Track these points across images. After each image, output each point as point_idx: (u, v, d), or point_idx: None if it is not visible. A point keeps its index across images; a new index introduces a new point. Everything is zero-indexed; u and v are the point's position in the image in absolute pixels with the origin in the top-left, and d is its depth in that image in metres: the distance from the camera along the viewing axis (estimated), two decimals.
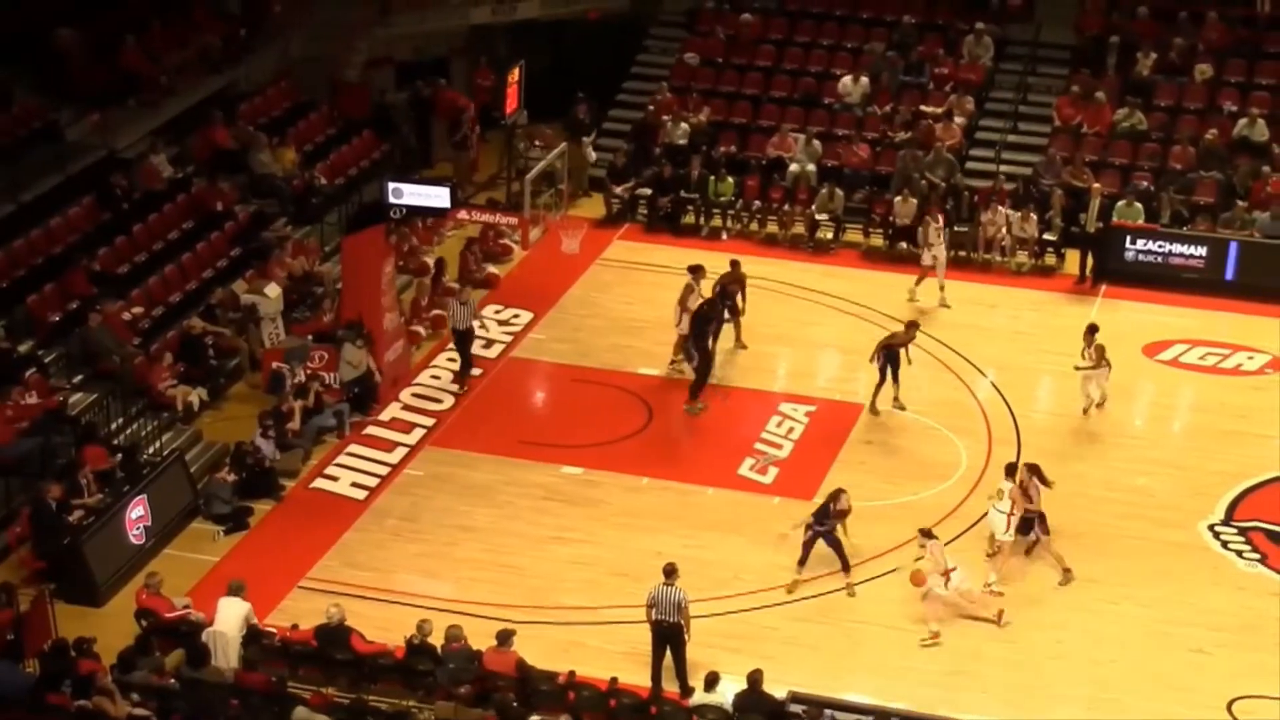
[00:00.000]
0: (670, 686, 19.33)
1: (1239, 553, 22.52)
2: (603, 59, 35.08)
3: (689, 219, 31.78)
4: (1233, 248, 29.45)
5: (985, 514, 22.30)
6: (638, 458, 24.39)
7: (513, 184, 32.08)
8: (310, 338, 26.15)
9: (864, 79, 33.48)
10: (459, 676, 18.72)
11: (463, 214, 30.05)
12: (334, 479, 24.00)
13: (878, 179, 32.05)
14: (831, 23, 35.20)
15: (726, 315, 26.59)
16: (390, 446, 24.71)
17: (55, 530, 21.34)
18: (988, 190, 30.75)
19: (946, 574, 20.66)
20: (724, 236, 31.45)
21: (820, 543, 21.28)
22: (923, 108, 33.00)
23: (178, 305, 26.32)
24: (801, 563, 21.44)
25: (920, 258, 29.07)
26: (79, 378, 24.31)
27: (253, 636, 19.52)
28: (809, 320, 28.57)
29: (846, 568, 21.45)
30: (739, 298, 26.94)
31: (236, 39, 31.83)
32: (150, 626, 19.83)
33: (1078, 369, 25.15)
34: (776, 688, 18.76)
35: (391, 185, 25.29)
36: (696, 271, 26.63)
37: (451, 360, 26.88)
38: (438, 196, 25.32)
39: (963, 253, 30.56)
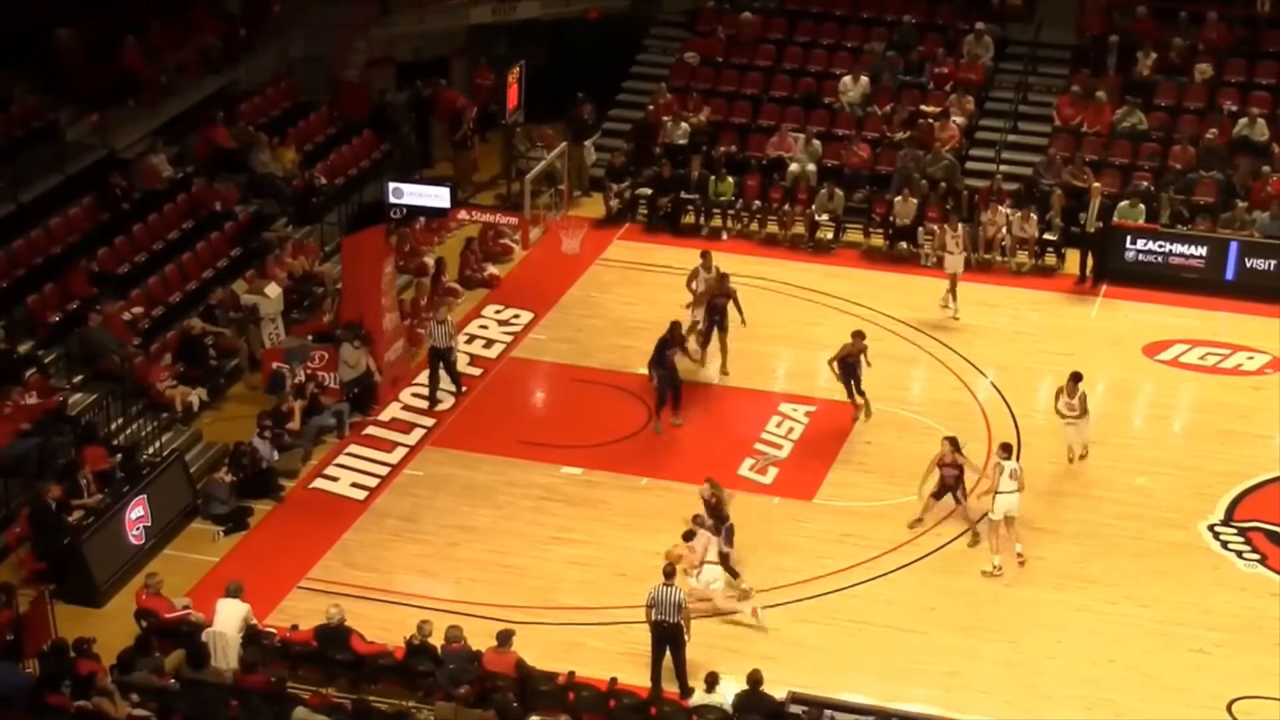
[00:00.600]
0: (670, 687, 19.33)
1: (1239, 553, 22.52)
2: (603, 59, 35.07)
3: (689, 219, 31.78)
4: (1233, 248, 29.44)
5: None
6: (638, 458, 24.39)
7: (513, 184, 32.07)
8: (310, 338, 26.15)
9: (864, 79, 33.48)
10: (459, 677, 18.72)
11: (463, 214, 30.05)
12: (334, 479, 24.00)
13: (878, 179, 32.05)
14: (831, 23, 35.19)
15: (715, 330, 26.41)
16: (390, 446, 24.71)
17: (55, 530, 21.34)
18: (987, 190, 30.75)
19: (699, 566, 20.73)
20: (724, 236, 31.45)
21: None
22: (923, 107, 33.01)
23: (178, 305, 26.31)
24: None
25: (943, 262, 28.79)
26: (79, 378, 24.31)
27: (252, 637, 19.52)
28: (809, 320, 28.57)
29: None
30: (731, 309, 26.46)
31: (236, 39, 31.82)
32: (150, 627, 19.82)
33: (1060, 415, 24.06)
34: (776, 688, 18.77)
35: (391, 185, 25.29)
36: (706, 256, 26.80)
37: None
38: (438, 196, 25.31)
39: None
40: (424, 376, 26.40)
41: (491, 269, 29.92)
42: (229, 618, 19.49)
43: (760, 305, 28.27)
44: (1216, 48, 33.41)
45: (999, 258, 30.37)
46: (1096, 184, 30.17)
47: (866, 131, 32.76)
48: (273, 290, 26.64)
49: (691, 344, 26.39)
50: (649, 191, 31.98)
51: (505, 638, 19.08)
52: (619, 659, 19.90)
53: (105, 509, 21.80)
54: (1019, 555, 22.06)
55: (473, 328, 28.15)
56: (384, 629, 19.95)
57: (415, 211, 26.09)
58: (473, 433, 25.09)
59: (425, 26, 34.83)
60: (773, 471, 24.16)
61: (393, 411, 25.56)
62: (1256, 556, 22.45)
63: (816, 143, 32.41)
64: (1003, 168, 32.15)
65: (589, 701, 18.54)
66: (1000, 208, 30.25)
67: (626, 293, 29.43)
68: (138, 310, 25.60)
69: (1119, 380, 27.20)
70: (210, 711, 18.05)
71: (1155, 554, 22.43)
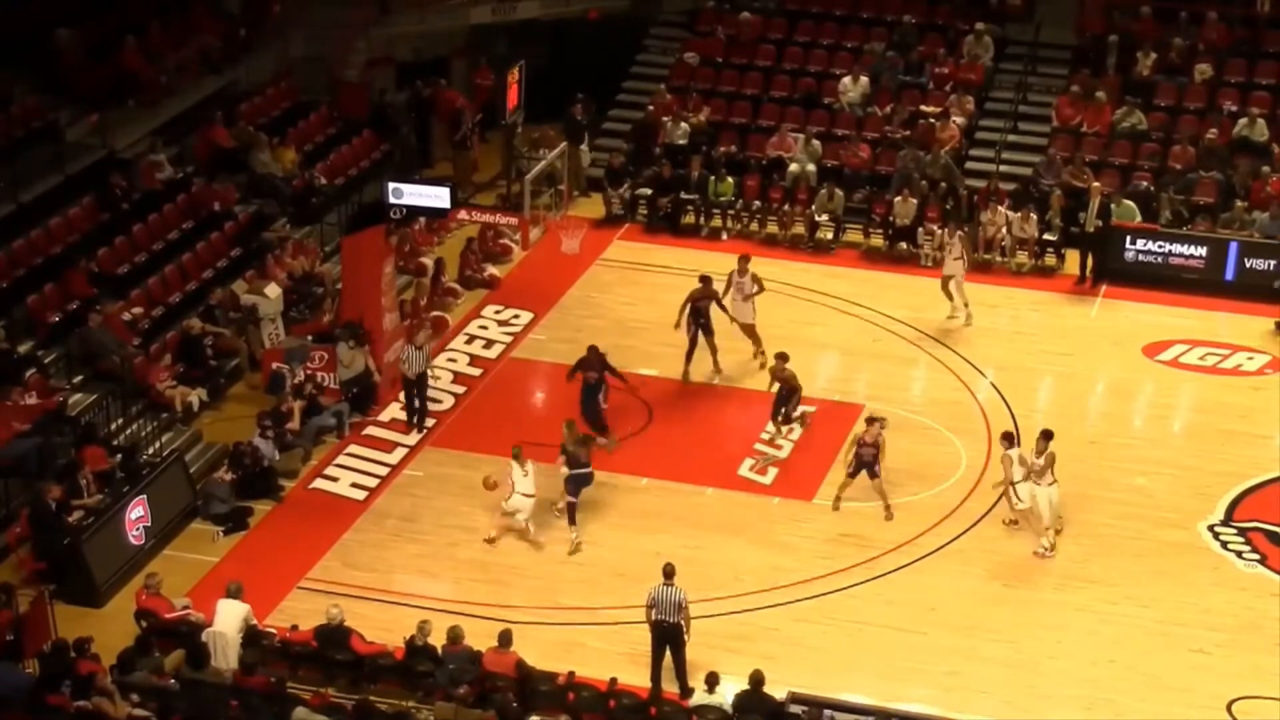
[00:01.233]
0: (670, 687, 19.33)
1: (1239, 553, 22.52)
2: (603, 59, 35.06)
3: (689, 219, 31.77)
4: (1232, 248, 29.44)
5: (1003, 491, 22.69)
6: (638, 458, 24.38)
7: (513, 184, 32.07)
8: (310, 338, 26.14)
9: (864, 79, 33.48)
10: (459, 677, 18.72)
11: (463, 214, 30.05)
12: (334, 479, 24.00)
13: (878, 179, 32.05)
14: (831, 23, 35.19)
15: (701, 335, 26.29)
16: (390, 447, 24.70)
17: (55, 530, 21.34)
18: (985, 190, 30.75)
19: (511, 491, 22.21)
20: (724, 237, 31.44)
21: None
22: (923, 107, 33.01)
23: (178, 305, 26.31)
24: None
25: (942, 264, 28.69)
26: (79, 378, 24.31)
27: (252, 637, 19.51)
28: (809, 320, 28.57)
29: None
30: (738, 301, 26.58)
31: (236, 39, 31.83)
32: (150, 627, 19.82)
33: (1010, 484, 22.59)
34: (776, 688, 18.76)
35: (391, 185, 25.30)
36: (743, 260, 26.74)
37: (452, 360, 26.87)
38: (438, 196, 25.31)
39: None
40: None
41: (491, 269, 29.92)
42: (229, 618, 19.49)
43: (760, 305, 28.25)
44: (1216, 48, 33.41)
45: (999, 258, 30.37)
46: (1096, 184, 30.18)
47: (866, 131, 32.77)
48: (272, 290, 26.64)
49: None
50: (649, 192, 31.98)
51: (506, 638, 19.08)
52: (619, 659, 19.90)
53: (105, 509, 21.80)
54: (1049, 546, 22.24)
55: (473, 328, 28.16)
56: (384, 629, 19.95)
57: (415, 211, 26.08)
58: (473, 433, 25.08)
59: (425, 26, 34.83)
60: (773, 471, 24.16)
61: (393, 411, 25.55)
62: (1256, 556, 22.45)
63: (816, 143, 32.41)
64: (1003, 168, 32.17)
65: (589, 701, 18.55)
66: (1000, 208, 30.25)
67: (626, 293, 29.43)
68: (138, 310, 25.60)
69: (1119, 380, 27.21)
70: (210, 711, 18.05)
71: (1155, 554, 22.43)
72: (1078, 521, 23.04)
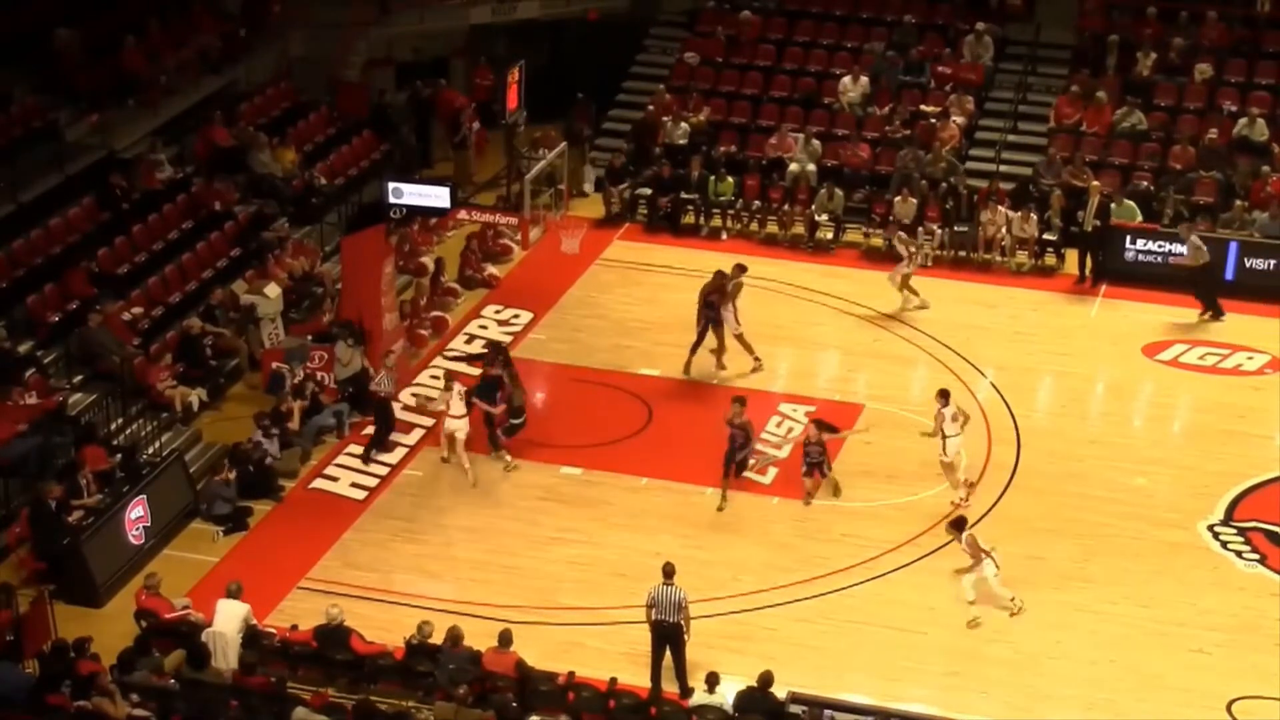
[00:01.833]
0: (670, 687, 19.32)
1: (1238, 553, 22.52)
2: (603, 59, 35.07)
3: (689, 219, 31.78)
4: (1232, 248, 29.43)
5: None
6: (638, 458, 24.39)
7: (513, 184, 32.07)
8: (310, 338, 26.14)
9: (864, 79, 33.49)
10: (459, 677, 18.71)
11: (463, 214, 30.05)
12: (334, 479, 23.99)
13: (878, 179, 32.05)
14: (831, 23, 35.20)
15: (711, 329, 26.34)
16: (390, 447, 24.68)
17: (55, 530, 21.34)
18: (985, 190, 30.75)
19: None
20: (724, 236, 31.45)
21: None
22: (923, 107, 33.02)
23: (178, 305, 26.31)
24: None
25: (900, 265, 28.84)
26: (79, 378, 24.31)
27: (252, 637, 19.51)
28: (809, 320, 28.57)
29: None
30: (727, 308, 26.37)
31: (236, 39, 31.83)
32: (150, 627, 19.82)
33: (943, 437, 23.40)
34: (776, 688, 18.73)
35: (391, 185, 25.32)
36: (739, 270, 26.75)
37: (454, 358, 26.87)
38: (438, 196, 25.33)
39: (963, 253, 30.58)
40: (424, 377, 26.39)
41: (491, 269, 29.92)
42: (229, 618, 19.48)
43: (760, 305, 28.30)
44: (1216, 48, 33.41)
45: (999, 258, 30.37)
46: (1095, 183, 30.18)
47: (866, 131, 32.77)
48: (272, 290, 26.64)
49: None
50: (649, 192, 31.99)
51: (506, 638, 19.08)
52: (619, 659, 19.90)
53: (105, 509, 21.80)
54: (965, 496, 23.07)
55: (472, 328, 28.15)
56: (384, 629, 19.95)
57: (415, 211, 26.11)
58: (472, 433, 25.03)
59: (425, 26, 34.84)
60: (773, 471, 24.15)
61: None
62: (1256, 556, 22.45)
63: (816, 143, 32.41)
64: (1003, 168, 32.18)
65: (589, 701, 18.54)
66: (1000, 208, 30.26)
67: (626, 293, 29.43)
68: (138, 310, 25.60)
69: (1119, 380, 27.21)
70: (210, 711, 18.04)
71: (1155, 554, 22.43)
72: (1078, 521, 23.04)
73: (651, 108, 33.43)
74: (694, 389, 26.39)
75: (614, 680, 18.87)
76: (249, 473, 23.33)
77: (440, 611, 20.36)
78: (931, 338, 27.77)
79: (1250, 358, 27.47)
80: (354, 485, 23.82)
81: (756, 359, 26.60)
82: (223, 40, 31.41)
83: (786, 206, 31.55)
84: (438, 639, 19.24)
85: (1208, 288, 28.68)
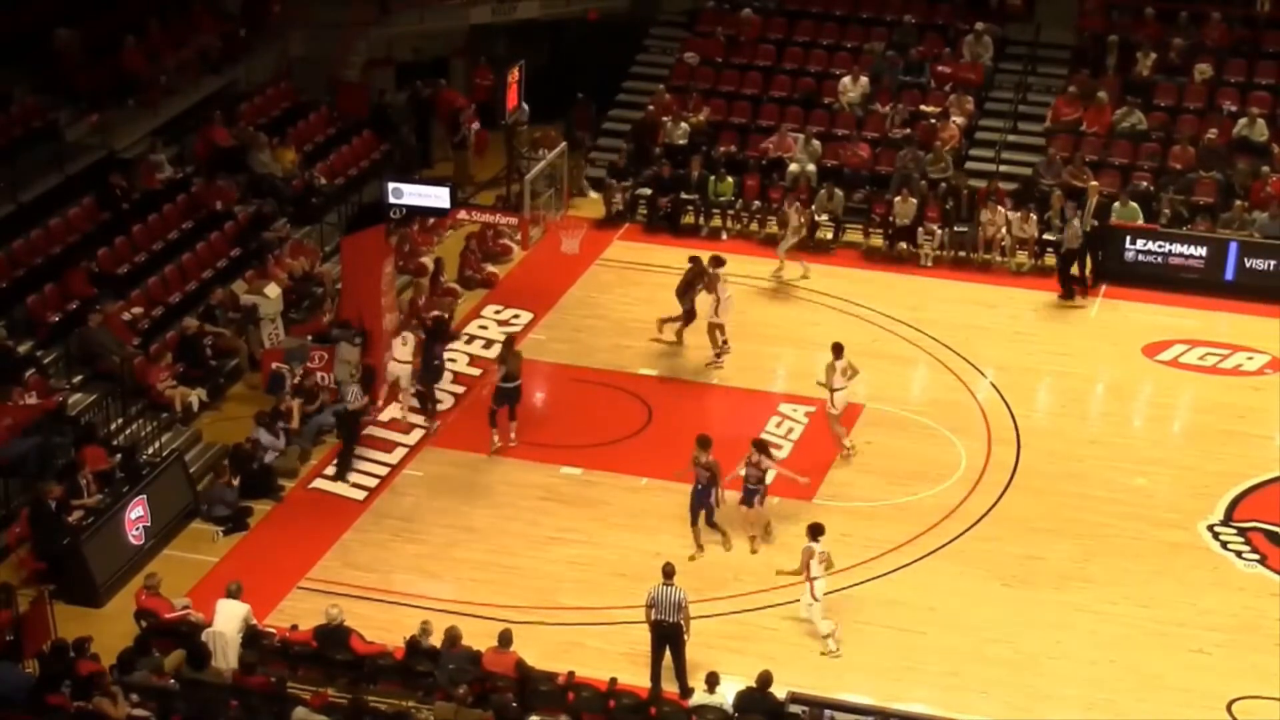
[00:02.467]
0: (670, 687, 19.32)
1: (1238, 553, 22.52)
2: (603, 59, 35.07)
3: (689, 219, 31.78)
4: (1232, 248, 29.44)
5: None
6: (638, 458, 24.39)
7: (513, 184, 32.07)
8: (310, 338, 26.14)
9: (864, 79, 33.49)
10: (459, 677, 18.71)
11: (463, 214, 30.05)
12: (334, 479, 23.95)
13: (877, 179, 32.05)
14: (831, 23, 35.20)
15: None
16: (390, 447, 24.70)
17: (55, 530, 21.34)
18: (984, 190, 30.75)
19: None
20: (724, 236, 31.44)
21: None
22: (923, 107, 33.02)
23: (178, 305, 26.31)
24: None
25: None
26: (79, 378, 24.30)
27: (252, 637, 19.51)
28: (809, 320, 28.57)
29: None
30: (711, 294, 26.57)
31: (236, 39, 31.84)
32: (150, 627, 19.82)
33: (831, 389, 24.14)
34: (776, 688, 18.72)
35: (391, 185, 25.30)
36: (717, 263, 26.83)
37: (452, 360, 26.84)
38: (438, 196, 25.32)
39: (962, 253, 30.58)
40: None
41: (491, 269, 29.91)
42: (229, 618, 19.48)
43: (760, 305, 28.32)
44: (1216, 48, 33.41)
45: (999, 258, 30.37)
46: (1094, 183, 30.18)
47: (866, 131, 32.77)
48: (272, 290, 26.64)
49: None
50: (649, 192, 31.99)
51: (506, 638, 19.08)
52: (619, 659, 19.90)
53: (105, 509, 21.80)
54: (848, 448, 24.18)
55: (472, 328, 28.15)
56: (384, 629, 19.95)
57: (415, 211, 26.10)
58: (473, 433, 25.07)
59: (425, 26, 34.85)
60: (772, 472, 24.10)
61: (392, 411, 25.55)
62: (1256, 557, 22.45)
63: (816, 143, 32.41)
64: (1003, 168, 32.18)
65: (589, 701, 18.54)
66: (1000, 208, 30.26)
67: (626, 293, 29.42)
68: (138, 310, 25.60)
69: (1119, 380, 27.22)
70: (210, 711, 18.04)
71: (1155, 554, 22.43)
72: (1078, 521, 23.04)
73: (651, 108, 33.43)
74: (694, 389, 26.40)
75: (614, 680, 18.87)
76: (250, 472, 23.32)
77: (440, 611, 20.36)
78: (931, 338, 27.77)
79: (1250, 358, 27.47)
80: (354, 485, 23.81)
81: (718, 354, 26.65)
82: (223, 40, 31.41)
83: (786, 206, 31.52)
84: (437, 639, 19.23)
85: (1067, 270, 29.26)
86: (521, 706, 18.27)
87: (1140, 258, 29.81)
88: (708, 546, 22.23)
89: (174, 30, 30.68)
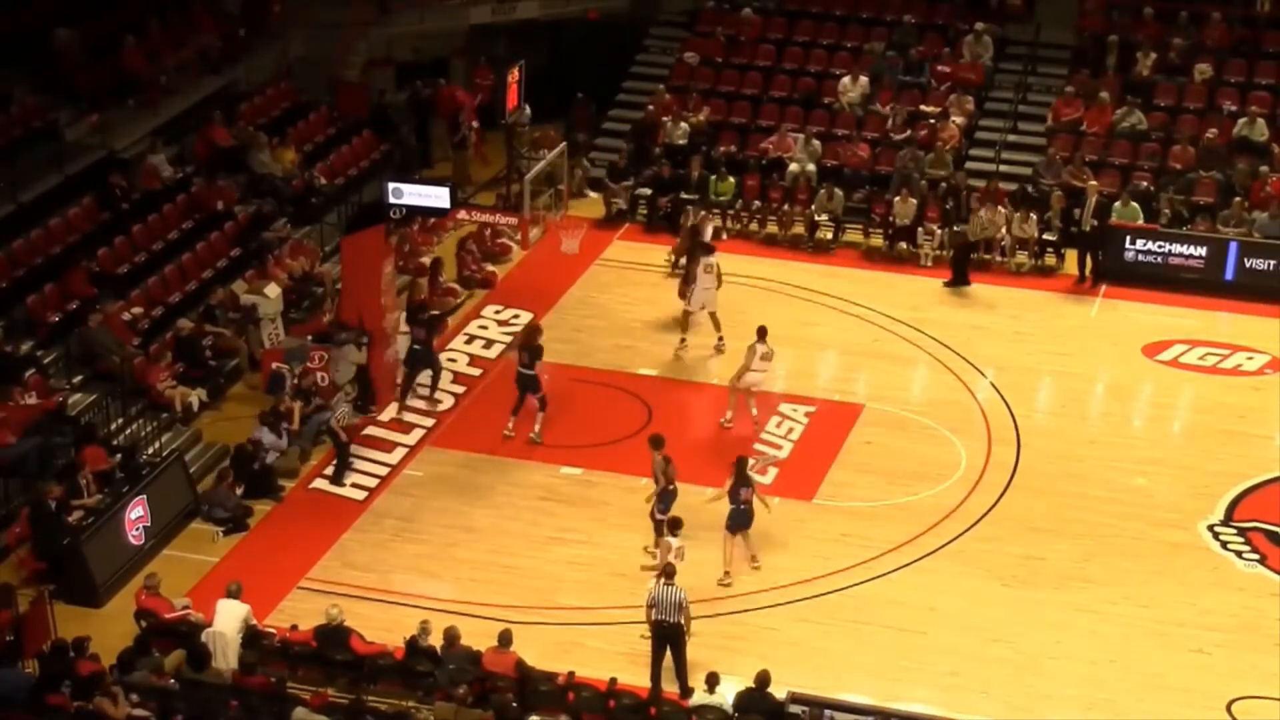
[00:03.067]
0: (670, 687, 19.31)
1: (1238, 553, 22.52)
2: (603, 59, 35.08)
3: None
4: (1232, 248, 29.44)
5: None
6: (638, 458, 24.33)
7: (513, 184, 32.07)
8: (310, 338, 26.14)
9: (864, 79, 33.49)
10: (459, 677, 18.72)
11: (462, 214, 30.04)
12: (332, 482, 23.95)
13: (877, 179, 32.05)
14: (831, 23, 35.21)
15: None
16: (390, 447, 24.70)
17: (55, 531, 21.33)
18: (983, 190, 30.76)
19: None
20: (724, 236, 31.37)
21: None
22: (923, 107, 33.02)
23: (177, 305, 26.31)
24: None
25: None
26: (79, 378, 24.30)
27: (252, 637, 19.51)
28: (809, 320, 28.57)
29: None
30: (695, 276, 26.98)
31: (236, 39, 31.84)
32: (150, 627, 19.82)
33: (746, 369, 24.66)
34: (776, 688, 18.72)
35: (391, 185, 25.28)
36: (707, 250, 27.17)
37: (452, 360, 26.87)
38: (438, 197, 25.31)
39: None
40: (424, 377, 26.35)
41: (491, 269, 29.91)
42: (229, 618, 19.48)
43: (760, 305, 28.31)
44: (1216, 48, 33.41)
45: (999, 258, 30.37)
46: (1094, 183, 30.19)
47: (866, 131, 32.77)
48: (272, 290, 26.64)
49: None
50: (649, 192, 31.98)
51: (506, 638, 19.08)
52: (619, 659, 19.90)
53: (105, 509, 21.79)
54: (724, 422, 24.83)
55: (472, 328, 28.15)
56: (384, 629, 19.94)
57: (415, 211, 26.09)
58: (473, 433, 25.08)
59: (425, 26, 34.86)
60: (773, 471, 24.16)
61: (392, 411, 25.55)
62: (1256, 557, 22.45)
63: (816, 143, 32.41)
64: (1003, 168, 32.19)
65: (589, 701, 18.54)
66: (1000, 208, 30.26)
67: (626, 293, 29.41)
68: (138, 310, 25.59)
69: (1119, 380, 27.22)
70: (210, 711, 18.04)
71: (1155, 554, 22.43)
72: (1078, 521, 23.04)
73: (651, 108, 33.43)
74: (694, 389, 26.42)
75: (614, 680, 18.87)
76: (250, 473, 23.32)
77: (440, 611, 20.35)
78: (931, 338, 27.77)
79: (1250, 358, 27.47)
80: (354, 485, 23.81)
81: (683, 342, 26.87)
82: (223, 40, 31.42)
83: (786, 206, 31.55)
84: (437, 639, 19.23)
85: (964, 259, 29.67)
86: (521, 706, 18.27)
87: (1140, 258, 29.81)
88: (713, 546, 22.20)
89: (174, 30, 30.68)
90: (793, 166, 32.06)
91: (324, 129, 32.09)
